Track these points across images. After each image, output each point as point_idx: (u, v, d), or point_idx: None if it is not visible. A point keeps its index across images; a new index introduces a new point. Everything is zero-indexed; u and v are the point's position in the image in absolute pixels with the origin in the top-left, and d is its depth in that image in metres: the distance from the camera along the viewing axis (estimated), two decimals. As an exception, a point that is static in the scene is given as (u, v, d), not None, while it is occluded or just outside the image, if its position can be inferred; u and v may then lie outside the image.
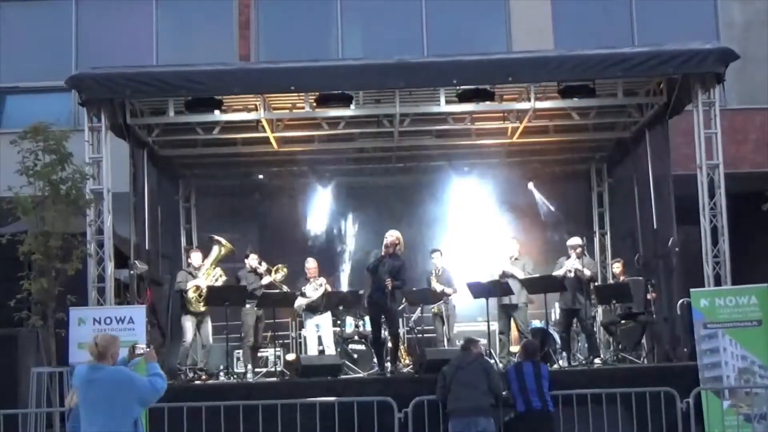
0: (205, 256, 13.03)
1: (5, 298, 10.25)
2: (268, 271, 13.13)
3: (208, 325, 12.72)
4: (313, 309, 13.07)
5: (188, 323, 12.49)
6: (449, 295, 13.08)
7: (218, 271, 12.91)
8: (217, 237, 13.16)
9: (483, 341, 12.57)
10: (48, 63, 16.21)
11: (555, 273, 12.50)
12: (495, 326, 12.86)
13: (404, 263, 11.87)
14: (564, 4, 16.54)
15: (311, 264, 13.35)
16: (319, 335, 13.09)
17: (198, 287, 12.50)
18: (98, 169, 11.29)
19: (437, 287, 13.00)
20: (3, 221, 11.54)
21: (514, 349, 12.25)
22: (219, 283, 12.77)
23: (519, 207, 14.71)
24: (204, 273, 12.73)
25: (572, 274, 12.36)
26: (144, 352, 6.99)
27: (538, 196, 14.83)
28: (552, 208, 14.79)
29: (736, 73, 13.32)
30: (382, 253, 11.71)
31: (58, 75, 12.77)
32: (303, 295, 13.10)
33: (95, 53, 15.67)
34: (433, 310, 13.29)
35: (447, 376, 9.21)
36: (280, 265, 13.25)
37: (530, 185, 14.90)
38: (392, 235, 11.79)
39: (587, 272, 12.46)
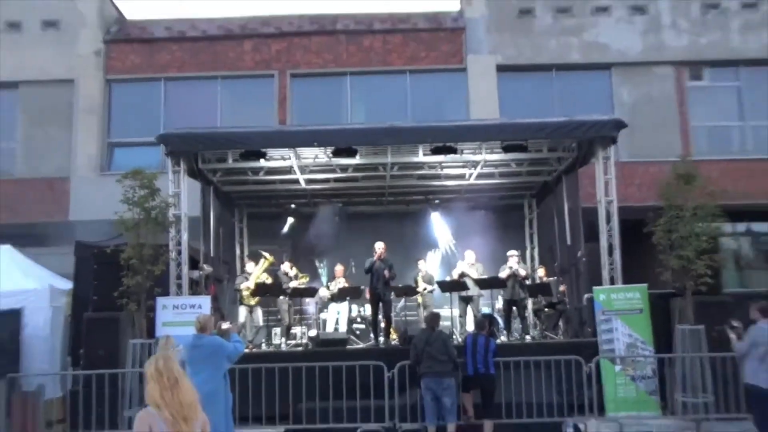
0: (257, 263, 13.16)
1: (111, 290, 10.28)
2: (296, 277, 13.28)
3: (259, 312, 12.89)
4: (333, 299, 13.22)
5: (242, 311, 12.70)
6: (429, 291, 13.15)
7: (264, 275, 13.03)
8: (264, 252, 13.27)
9: (447, 323, 12.72)
10: (143, 125, 16.26)
11: (500, 274, 12.51)
12: (456, 312, 12.92)
13: (392, 263, 12.05)
14: (507, 86, 16.68)
15: (339, 268, 13.54)
16: (337, 318, 13.20)
17: (248, 288, 12.66)
18: (178, 199, 11.34)
19: (421, 285, 13.13)
20: (111, 236, 11.57)
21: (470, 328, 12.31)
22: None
23: (474, 229, 14.72)
24: (254, 278, 12.85)
25: (512, 271, 12.35)
26: (228, 326, 7.42)
27: None
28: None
29: (626, 137, 13.43)
30: (374, 259, 11.92)
31: (151, 133, 12.83)
32: (328, 288, 13.33)
33: (177, 118, 15.80)
34: (417, 300, 13.32)
35: (417, 348, 9.13)
36: (303, 274, 13.45)
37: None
38: (380, 247, 12.03)
39: (522, 272, 12.49)
